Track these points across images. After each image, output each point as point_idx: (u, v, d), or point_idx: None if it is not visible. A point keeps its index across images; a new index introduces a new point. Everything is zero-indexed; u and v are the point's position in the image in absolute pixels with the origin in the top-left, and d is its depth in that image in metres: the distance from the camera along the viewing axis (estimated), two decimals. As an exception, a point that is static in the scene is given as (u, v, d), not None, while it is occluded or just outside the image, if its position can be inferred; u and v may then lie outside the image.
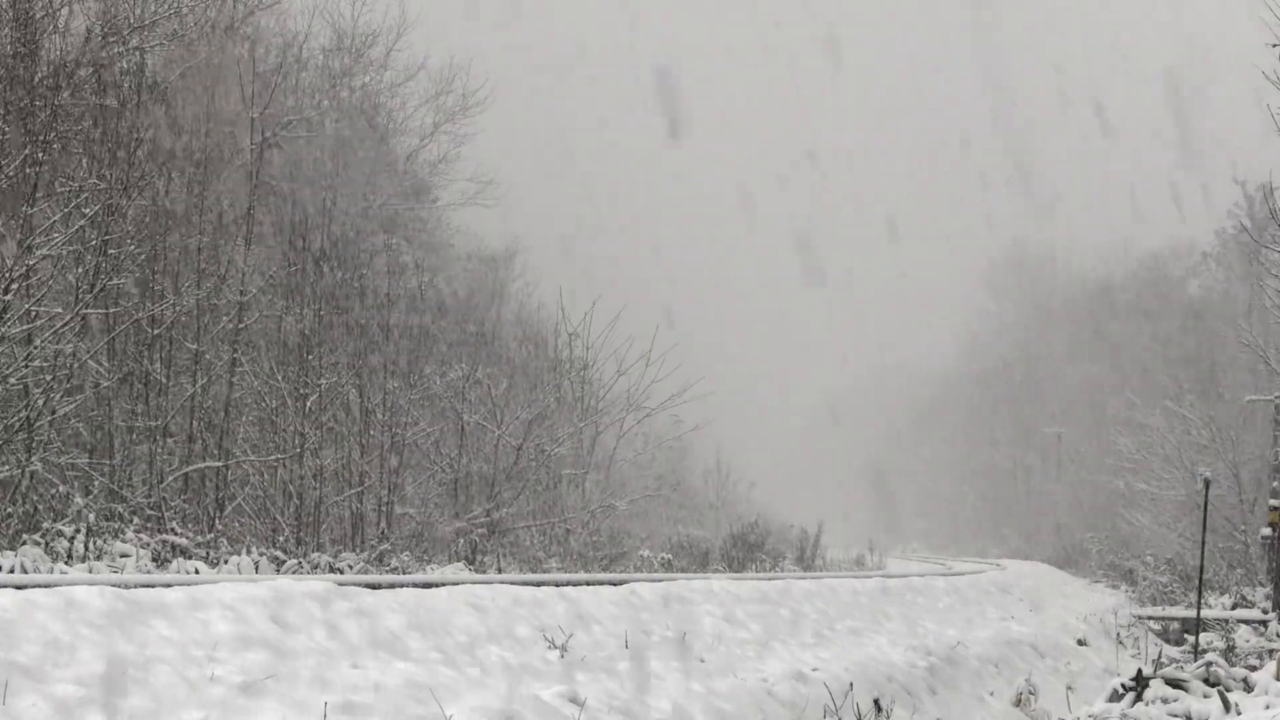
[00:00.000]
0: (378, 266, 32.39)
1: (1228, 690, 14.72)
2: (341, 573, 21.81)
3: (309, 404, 26.82)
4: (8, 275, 19.36)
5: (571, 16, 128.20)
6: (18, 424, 20.11)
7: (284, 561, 22.39)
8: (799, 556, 45.63)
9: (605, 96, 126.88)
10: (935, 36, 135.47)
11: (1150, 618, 34.03)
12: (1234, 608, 33.33)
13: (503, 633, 13.65)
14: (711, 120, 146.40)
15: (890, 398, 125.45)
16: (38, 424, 20.40)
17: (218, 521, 24.04)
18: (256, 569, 20.98)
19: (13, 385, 19.98)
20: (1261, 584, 34.41)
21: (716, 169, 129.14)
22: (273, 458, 26.21)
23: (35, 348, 20.02)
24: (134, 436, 24.13)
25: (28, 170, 20.38)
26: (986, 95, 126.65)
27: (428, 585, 15.26)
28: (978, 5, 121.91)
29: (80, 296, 21.13)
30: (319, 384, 27.24)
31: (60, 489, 21.26)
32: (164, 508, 23.23)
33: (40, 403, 20.47)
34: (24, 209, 20.01)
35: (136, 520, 22.36)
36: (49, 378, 20.58)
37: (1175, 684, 14.79)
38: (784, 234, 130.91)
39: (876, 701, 15.81)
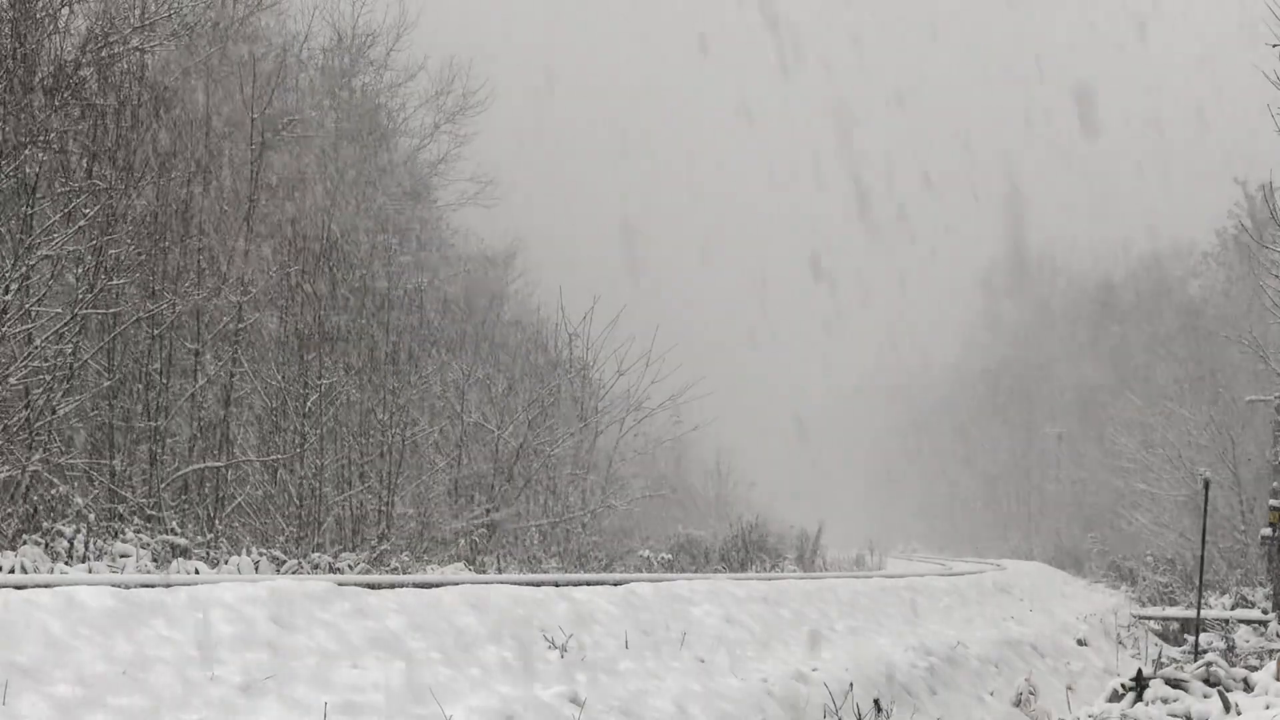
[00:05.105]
0: (377, 267, 32.37)
1: (1228, 690, 14.73)
2: (341, 573, 21.82)
3: (309, 404, 26.82)
4: (7, 275, 19.35)
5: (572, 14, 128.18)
6: (18, 424, 20.10)
7: (284, 561, 22.38)
8: (799, 557, 45.64)
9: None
10: (935, 35, 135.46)
11: (1150, 618, 34.02)
12: (1234, 608, 33.33)
13: (503, 633, 13.64)
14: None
15: (890, 398, 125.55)
16: (38, 424, 20.38)
17: (218, 521, 24.03)
18: (256, 569, 20.98)
19: (13, 385, 19.97)
20: (1261, 584, 34.38)
21: (716, 168, 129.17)
22: (273, 458, 26.20)
23: (35, 348, 20.01)
24: (134, 436, 24.12)
25: (28, 170, 20.37)
26: (986, 94, 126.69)
27: (428, 585, 15.25)
28: (977, 3, 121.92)
29: (80, 296, 21.12)
30: (319, 384, 27.24)
31: (60, 489, 21.24)
32: (164, 508, 23.22)
33: (40, 403, 20.46)
34: (24, 209, 20.01)
35: (136, 520, 22.35)
36: (49, 378, 20.57)
37: (1175, 684, 14.81)
38: (784, 232, 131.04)
39: (876, 702, 15.80)
